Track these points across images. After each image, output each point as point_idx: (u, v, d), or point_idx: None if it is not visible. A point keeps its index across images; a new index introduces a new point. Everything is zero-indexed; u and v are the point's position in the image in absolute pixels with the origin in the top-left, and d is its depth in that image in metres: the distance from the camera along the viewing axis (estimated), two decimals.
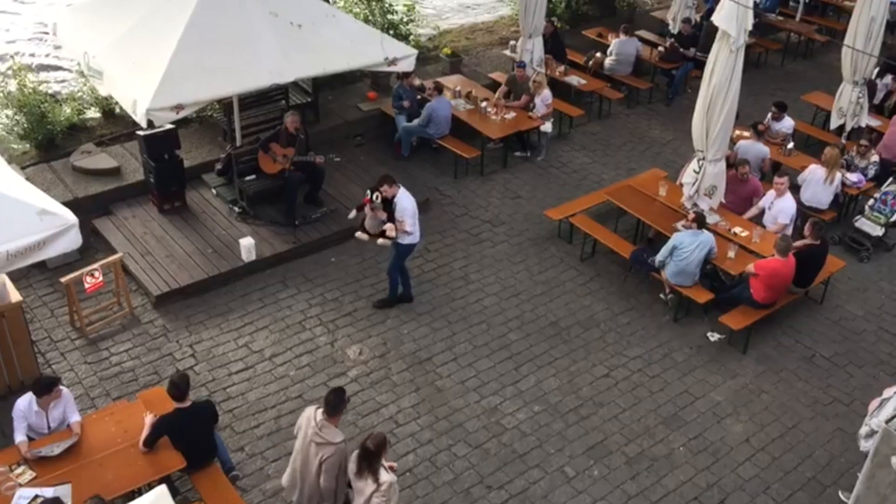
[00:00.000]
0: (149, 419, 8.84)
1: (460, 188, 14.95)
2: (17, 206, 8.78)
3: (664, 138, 16.85)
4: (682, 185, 13.31)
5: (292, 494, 8.65)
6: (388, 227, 11.55)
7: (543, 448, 10.30)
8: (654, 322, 12.27)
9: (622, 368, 11.48)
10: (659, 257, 12.15)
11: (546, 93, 15.73)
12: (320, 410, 8.25)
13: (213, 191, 13.99)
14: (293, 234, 13.08)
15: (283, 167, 13.24)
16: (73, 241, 9.08)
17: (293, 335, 11.69)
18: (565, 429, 10.56)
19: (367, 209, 11.68)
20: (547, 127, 15.70)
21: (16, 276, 10.50)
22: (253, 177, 13.54)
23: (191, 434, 8.77)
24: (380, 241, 11.69)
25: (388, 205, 11.56)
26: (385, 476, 7.94)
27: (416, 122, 15.20)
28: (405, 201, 11.51)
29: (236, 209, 13.57)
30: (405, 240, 11.65)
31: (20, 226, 8.69)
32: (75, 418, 9.03)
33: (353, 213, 12.12)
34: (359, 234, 11.88)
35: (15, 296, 10.37)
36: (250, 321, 11.86)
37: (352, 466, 8.09)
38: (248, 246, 12.57)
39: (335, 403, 8.22)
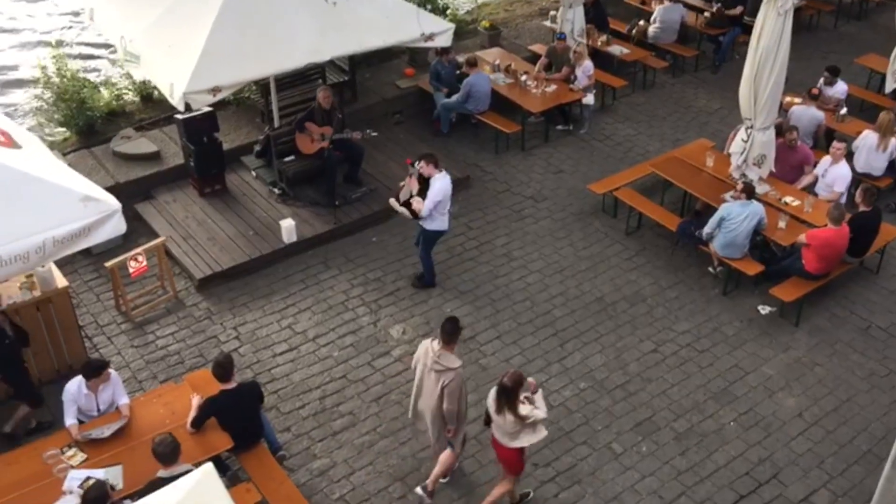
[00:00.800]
0: (196, 401, 9.15)
1: (501, 164, 15.08)
2: (60, 193, 9.01)
3: (711, 107, 16.81)
4: (729, 154, 13.32)
5: (421, 424, 9.52)
6: (415, 200, 11.61)
7: (590, 425, 10.47)
8: (702, 296, 12.35)
9: (670, 343, 11.59)
10: (707, 229, 12.20)
11: (587, 64, 15.76)
12: (436, 341, 8.90)
13: (253, 173, 14.27)
14: (333, 215, 13.33)
15: (321, 147, 13.45)
16: (117, 226, 9.31)
17: (336, 316, 11.96)
18: (612, 405, 10.72)
19: (408, 178, 11.76)
20: (589, 99, 15.75)
21: (61, 262, 10.78)
22: (292, 158, 13.78)
23: (237, 415, 9.05)
24: (401, 208, 11.77)
25: (425, 184, 11.67)
26: (524, 409, 8.55)
27: (454, 97, 15.33)
28: (441, 183, 11.51)
29: (276, 191, 13.84)
30: (430, 224, 11.73)
31: (64, 213, 8.92)
32: (124, 401, 9.35)
33: (391, 201, 12.12)
34: (392, 200, 11.99)
35: (61, 281, 10.75)
36: (293, 303, 12.14)
37: (491, 403, 8.69)
38: (288, 227, 12.83)
39: (451, 331, 8.86)
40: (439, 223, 11.79)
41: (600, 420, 10.53)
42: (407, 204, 11.76)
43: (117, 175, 13.78)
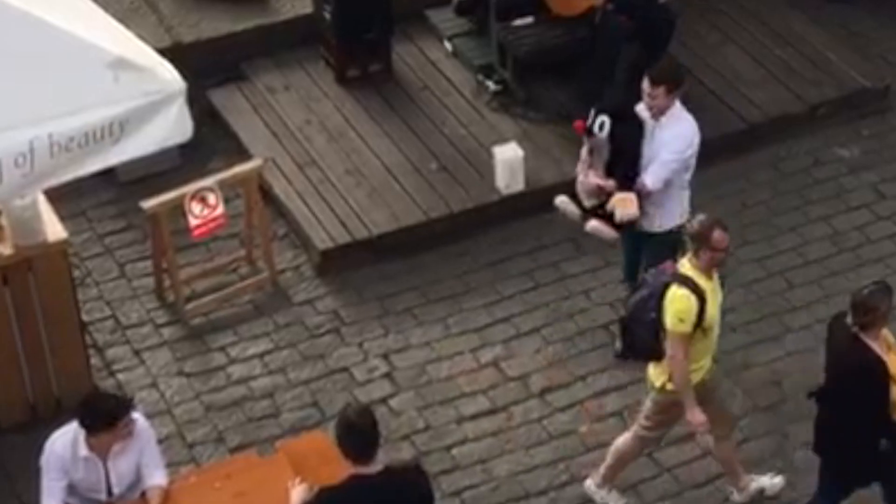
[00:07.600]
0: (299, 493, 9.08)
1: None
2: (70, 52, 8.99)
3: None
4: None
5: None
6: (619, 198, 11.07)
7: None
8: None
9: None
10: None
11: None
12: None
13: (448, 45, 14.52)
14: None
15: (591, 4, 13.45)
16: (175, 127, 9.29)
17: (590, 351, 12.00)
18: None
19: (584, 149, 11.34)
20: None
21: (59, 196, 11.03)
22: (529, 20, 13.87)
23: None
24: (590, 225, 11.32)
25: (626, 136, 11.15)
26: None
27: None
28: (684, 128, 11.10)
29: (491, 85, 14.01)
30: (661, 218, 11.37)
31: (76, 90, 8.93)
32: (156, 480, 9.34)
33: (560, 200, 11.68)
34: (560, 200, 11.57)
35: (55, 231, 10.81)
36: (504, 316, 12.20)
37: None
38: (510, 163, 12.89)
39: None
40: (676, 211, 11.40)
41: None
42: (598, 212, 11.30)
43: (180, 28, 14.20)
